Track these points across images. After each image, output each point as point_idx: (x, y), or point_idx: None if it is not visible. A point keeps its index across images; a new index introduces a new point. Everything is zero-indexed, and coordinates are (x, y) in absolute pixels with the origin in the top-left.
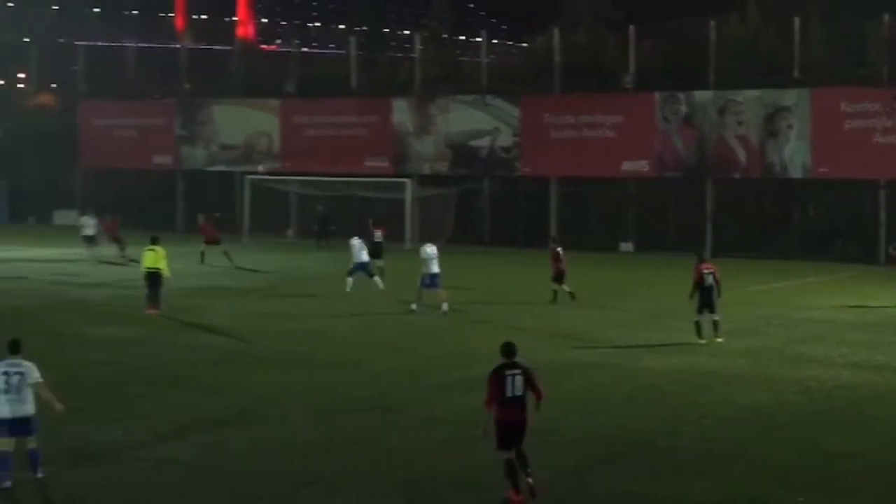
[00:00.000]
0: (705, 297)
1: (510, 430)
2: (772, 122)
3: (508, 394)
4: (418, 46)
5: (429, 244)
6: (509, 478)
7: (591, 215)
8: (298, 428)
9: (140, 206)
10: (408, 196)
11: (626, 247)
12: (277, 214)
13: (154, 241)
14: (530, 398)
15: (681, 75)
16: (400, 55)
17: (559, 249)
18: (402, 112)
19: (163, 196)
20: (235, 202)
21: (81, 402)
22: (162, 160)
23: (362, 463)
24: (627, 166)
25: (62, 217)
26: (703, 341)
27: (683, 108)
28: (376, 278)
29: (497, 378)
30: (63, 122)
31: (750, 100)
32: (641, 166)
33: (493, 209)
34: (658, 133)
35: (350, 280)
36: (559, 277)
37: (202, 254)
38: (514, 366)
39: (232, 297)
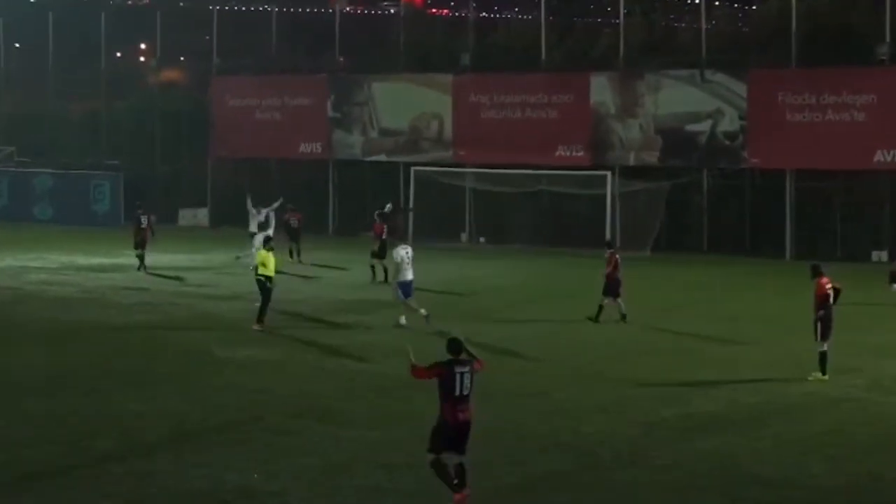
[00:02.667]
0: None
1: (458, 431)
2: None
3: (457, 393)
4: (623, 10)
5: (402, 245)
6: (443, 478)
7: (836, 216)
8: (486, 470)
9: (283, 205)
10: (608, 192)
11: (880, 255)
12: (449, 214)
13: (267, 241)
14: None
15: None
16: (600, 20)
17: (617, 256)
18: (601, 90)
19: (312, 191)
20: (399, 199)
21: (212, 436)
22: (310, 148)
23: None
24: (882, 156)
25: (188, 217)
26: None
27: None
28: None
29: (447, 374)
30: (191, 102)
31: None
32: None
33: (712, 208)
34: None
35: None
36: (612, 289)
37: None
38: (463, 363)
39: (389, 314)
